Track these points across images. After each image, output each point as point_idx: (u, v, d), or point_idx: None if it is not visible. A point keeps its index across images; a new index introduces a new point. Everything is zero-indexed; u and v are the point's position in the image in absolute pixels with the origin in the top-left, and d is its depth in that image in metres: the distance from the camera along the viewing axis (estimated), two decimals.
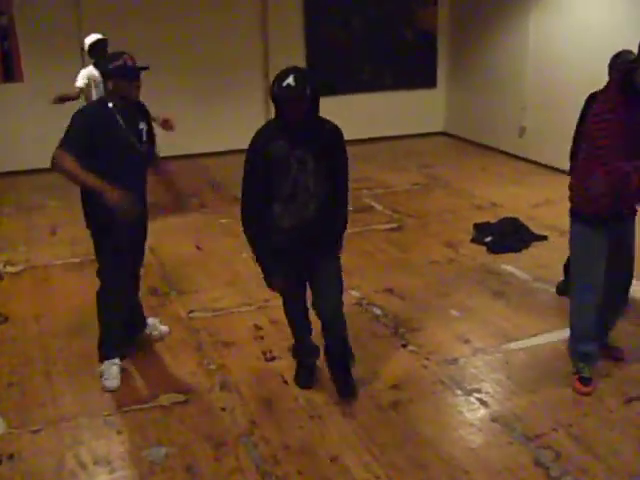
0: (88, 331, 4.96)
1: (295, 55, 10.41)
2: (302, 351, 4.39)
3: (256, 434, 3.86)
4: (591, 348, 4.20)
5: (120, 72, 4.10)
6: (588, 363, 4.21)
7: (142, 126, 4.29)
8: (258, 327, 5.04)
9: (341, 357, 4.26)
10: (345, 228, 4.03)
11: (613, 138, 3.69)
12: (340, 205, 3.99)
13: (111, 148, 4.10)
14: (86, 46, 7.26)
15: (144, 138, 4.30)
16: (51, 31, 9.16)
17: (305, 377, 4.33)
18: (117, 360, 4.41)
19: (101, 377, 4.35)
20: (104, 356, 4.41)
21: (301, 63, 10.40)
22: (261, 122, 12.27)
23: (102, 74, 4.38)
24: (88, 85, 7.27)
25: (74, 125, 4.06)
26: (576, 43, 8.52)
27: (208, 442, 3.79)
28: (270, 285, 4.01)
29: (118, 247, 4.24)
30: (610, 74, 4.87)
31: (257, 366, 4.55)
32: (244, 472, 3.56)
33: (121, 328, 4.49)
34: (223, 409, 4.09)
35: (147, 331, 4.86)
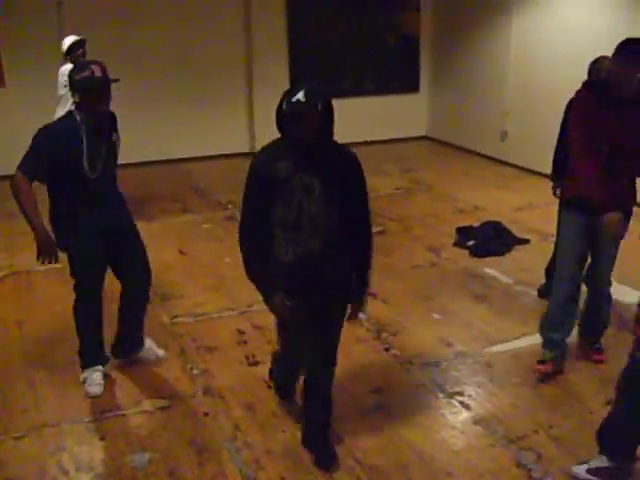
0: (71, 337, 4.93)
1: (278, 60, 10.43)
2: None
3: (239, 439, 3.86)
4: (553, 335, 4.39)
5: (86, 84, 3.87)
6: (550, 350, 4.40)
7: (114, 138, 4.16)
8: (241, 332, 5.04)
9: (320, 425, 3.74)
10: (366, 275, 3.57)
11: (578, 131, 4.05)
12: (359, 245, 3.54)
13: (71, 169, 3.94)
14: (65, 47, 7.24)
15: (103, 155, 4.03)
16: (33, 37, 9.11)
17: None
18: (99, 367, 4.40)
19: (84, 384, 4.32)
20: (85, 364, 4.40)
21: (284, 68, 10.44)
22: (244, 127, 12.23)
23: (69, 86, 4.05)
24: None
25: (34, 144, 3.90)
26: (558, 48, 8.59)
27: (191, 447, 3.79)
28: (271, 308, 3.45)
29: (80, 261, 4.18)
30: (589, 75, 4.94)
31: (240, 371, 4.55)
32: (227, 477, 3.56)
33: (99, 336, 4.44)
34: (206, 414, 4.09)
35: (142, 353, 4.64)
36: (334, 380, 3.74)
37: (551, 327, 4.41)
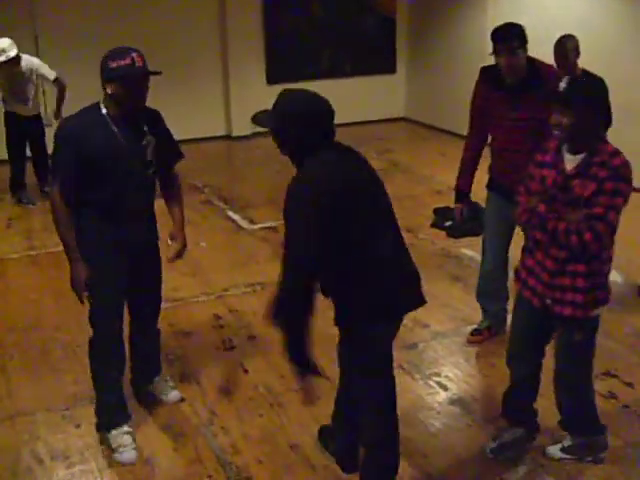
0: (45, 325, 4.90)
1: (254, 41, 10.34)
2: None
3: (216, 424, 3.84)
4: (486, 305, 4.60)
5: (126, 74, 3.25)
6: (485, 319, 4.62)
7: (146, 142, 3.48)
8: (217, 316, 5.01)
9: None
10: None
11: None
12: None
13: (105, 172, 3.34)
14: None
15: (148, 157, 3.49)
16: (4, 19, 8.96)
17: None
18: (126, 427, 3.68)
19: (114, 452, 3.61)
20: (110, 424, 3.67)
21: (260, 50, 10.36)
22: (220, 110, 12.10)
23: (101, 74, 3.34)
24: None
25: (59, 148, 3.32)
26: (535, 27, 8.48)
27: (167, 433, 3.77)
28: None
29: (102, 293, 3.51)
30: (556, 59, 4.95)
31: (217, 355, 4.53)
32: (203, 462, 3.54)
33: (121, 384, 3.74)
34: (182, 399, 4.06)
35: (153, 390, 4.08)
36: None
37: (484, 297, 4.59)
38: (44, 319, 5.01)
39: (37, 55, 7.94)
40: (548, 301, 3.17)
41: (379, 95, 11.24)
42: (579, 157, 3.04)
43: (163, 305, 5.15)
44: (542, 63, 4.23)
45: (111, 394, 3.67)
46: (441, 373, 4.27)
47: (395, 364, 4.28)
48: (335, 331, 3.11)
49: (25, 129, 7.48)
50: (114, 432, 3.63)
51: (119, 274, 3.54)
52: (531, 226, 3.18)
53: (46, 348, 4.60)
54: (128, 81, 3.27)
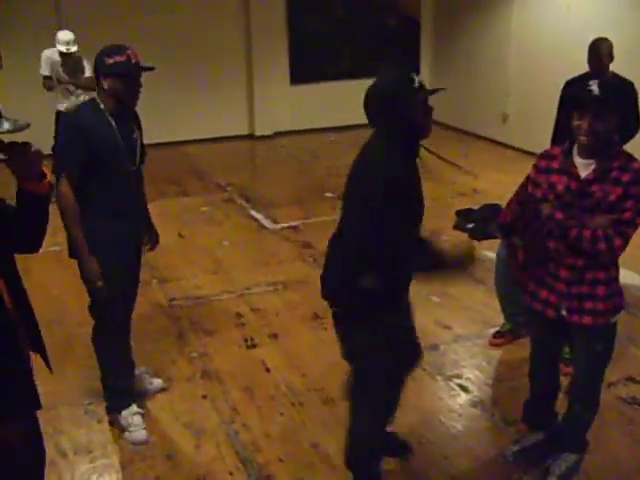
0: (68, 320, 4.95)
1: (278, 43, 10.38)
2: None
3: (237, 421, 3.86)
4: (507, 308, 4.54)
5: (122, 70, 3.35)
6: (507, 321, 4.60)
7: (136, 136, 3.60)
8: (239, 314, 5.03)
9: None
10: None
11: None
12: None
13: (105, 164, 3.42)
14: (60, 44, 7.26)
15: (138, 151, 3.60)
16: (30, 17, 9.06)
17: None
18: (136, 407, 3.82)
19: (123, 431, 3.76)
20: (121, 406, 3.81)
21: (284, 50, 10.38)
22: (244, 109, 12.13)
23: (97, 70, 3.42)
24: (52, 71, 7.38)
25: (69, 138, 3.40)
26: (560, 29, 8.52)
27: (189, 430, 3.80)
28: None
29: (112, 282, 3.55)
30: (589, 61, 4.90)
31: (238, 353, 4.55)
32: (225, 459, 3.56)
33: (129, 368, 3.90)
34: (204, 397, 4.09)
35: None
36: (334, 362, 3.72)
37: (505, 300, 4.55)
38: (67, 315, 5.05)
39: None
40: (564, 312, 3.11)
41: None
42: (591, 162, 2.96)
43: (185, 302, 5.23)
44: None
45: (123, 378, 3.81)
46: (462, 375, 4.26)
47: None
48: None
49: None
50: (124, 413, 3.77)
51: (132, 266, 3.75)
52: (546, 235, 3.06)
53: (69, 344, 4.64)
54: (126, 76, 3.38)
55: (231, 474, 3.47)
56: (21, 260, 6.20)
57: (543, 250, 3.11)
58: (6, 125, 3.48)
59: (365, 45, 10.82)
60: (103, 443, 3.72)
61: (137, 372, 4.09)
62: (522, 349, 4.49)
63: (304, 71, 10.47)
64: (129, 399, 3.82)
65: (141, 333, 4.79)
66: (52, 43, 7.45)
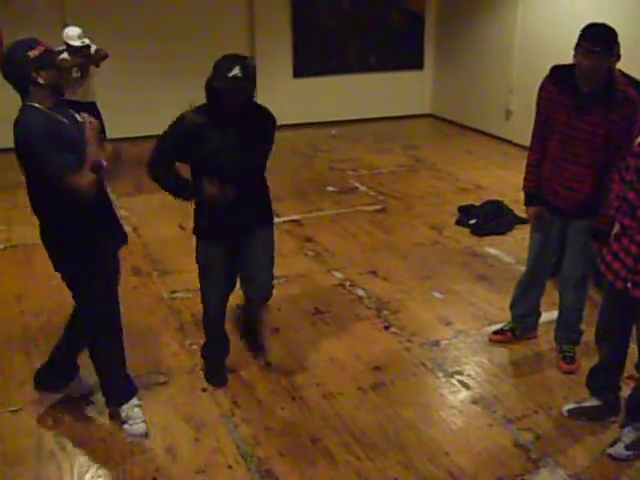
0: (68, 311, 4.91)
1: (281, 35, 10.34)
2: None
3: (237, 415, 3.85)
4: (512, 309, 4.55)
5: (52, 59, 3.31)
6: (510, 321, 4.58)
7: (82, 120, 3.46)
8: (240, 307, 5.01)
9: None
10: None
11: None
12: None
13: (79, 162, 3.27)
14: (68, 39, 7.28)
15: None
16: (33, 8, 9.02)
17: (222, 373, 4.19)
18: (136, 400, 3.80)
19: (124, 424, 3.73)
20: (121, 399, 3.77)
21: (287, 43, 10.35)
22: None
23: (23, 70, 3.20)
24: None
25: (45, 147, 3.18)
26: (564, 25, 8.48)
27: (188, 423, 3.78)
28: None
29: (102, 279, 3.60)
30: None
31: (239, 346, 4.53)
32: (225, 453, 3.55)
33: (124, 362, 3.81)
34: (204, 390, 4.08)
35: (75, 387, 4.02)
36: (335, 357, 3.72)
37: (512, 301, 4.54)
38: (68, 305, 5.01)
39: None
40: (629, 284, 3.25)
41: (406, 91, 11.21)
42: None
43: (186, 295, 5.21)
44: (622, 78, 3.86)
45: (121, 369, 3.77)
46: (463, 372, 4.25)
47: (417, 361, 4.34)
48: None
49: None
50: (125, 406, 3.74)
51: (116, 261, 3.80)
52: (622, 212, 3.29)
53: None
54: (56, 64, 3.34)
55: (230, 468, 3.46)
56: (22, 249, 6.21)
57: (621, 226, 3.33)
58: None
59: (369, 39, 10.79)
60: (103, 435, 3.71)
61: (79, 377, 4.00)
62: (524, 347, 4.50)
63: (307, 64, 10.44)
64: (129, 392, 3.80)
65: (142, 325, 4.80)
66: (59, 42, 7.44)
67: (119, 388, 3.80)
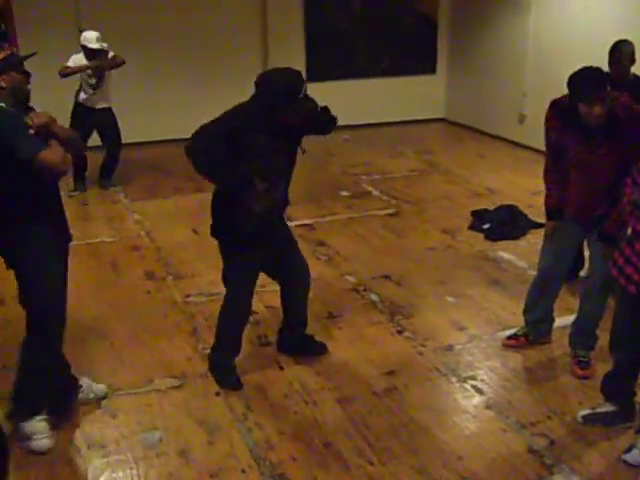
0: (82, 315, 4.96)
1: (294, 39, 10.36)
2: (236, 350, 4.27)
3: (250, 419, 3.85)
4: (525, 314, 4.54)
5: (15, 62, 3.33)
6: (523, 326, 4.56)
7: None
8: (254, 312, 5.01)
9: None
10: None
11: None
12: None
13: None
14: (86, 42, 7.34)
15: None
16: (48, 13, 9.09)
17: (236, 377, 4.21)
18: (44, 414, 3.65)
19: (27, 439, 3.58)
20: (32, 412, 3.61)
21: (300, 48, 10.36)
22: None
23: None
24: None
25: (16, 128, 3.21)
26: (579, 29, 8.46)
27: (202, 427, 3.79)
28: None
29: (55, 279, 3.56)
30: (610, 64, 4.85)
31: (252, 351, 4.54)
32: (238, 457, 3.56)
33: (57, 372, 3.74)
34: (218, 394, 4.08)
35: (83, 394, 3.99)
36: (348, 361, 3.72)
37: (525, 307, 4.53)
38: (81, 309, 5.06)
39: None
40: None
41: (418, 95, 11.20)
42: None
43: (199, 299, 5.23)
44: (623, 99, 3.82)
45: (43, 382, 3.62)
46: (477, 377, 4.24)
47: (431, 366, 4.33)
48: None
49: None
50: (33, 420, 3.59)
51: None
52: (634, 217, 3.30)
53: (83, 338, 4.64)
54: (20, 67, 3.34)
55: (244, 472, 3.46)
56: None
57: (633, 231, 3.35)
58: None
59: (383, 44, 10.79)
60: (116, 438, 3.72)
61: (81, 383, 3.98)
62: (538, 352, 4.49)
63: (321, 69, 10.45)
64: (42, 404, 3.64)
65: (155, 329, 4.82)
66: (74, 39, 7.52)
67: (34, 399, 3.63)
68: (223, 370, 4.21)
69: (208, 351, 4.48)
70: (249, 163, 3.71)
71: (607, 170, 3.79)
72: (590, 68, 3.73)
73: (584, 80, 3.70)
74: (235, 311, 4.17)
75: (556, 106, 3.98)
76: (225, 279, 4.13)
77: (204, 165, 3.84)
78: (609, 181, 3.76)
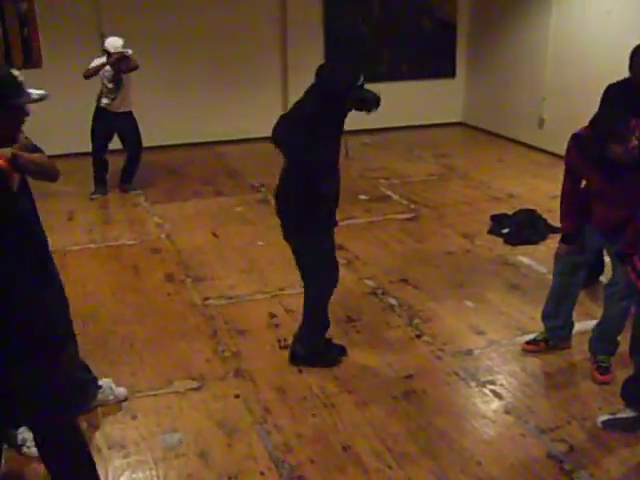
0: (103, 317, 5.00)
1: (314, 44, 10.37)
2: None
3: (269, 421, 3.87)
4: (544, 320, 4.53)
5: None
6: (543, 332, 4.54)
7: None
8: (273, 315, 5.04)
9: None
10: None
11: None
12: None
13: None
14: (109, 47, 7.42)
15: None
16: (70, 17, 9.17)
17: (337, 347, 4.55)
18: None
19: (22, 447, 3.58)
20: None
21: (319, 52, 10.38)
22: (278, 111, 12.23)
23: None
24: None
25: None
26: (599, 33, 8.43)
27: (221, 429, 3.81)
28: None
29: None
30: (630, 68, 4.83)
31: (271, 354, 4.55)
32: (257, 459, 3.57)
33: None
34: (237, 396, 4.10)
35: (103, 395, 4.00)
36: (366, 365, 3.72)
37: (544, 314, 4.53)
38: (102, 311, 5.11)
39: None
40: None
41: (438, 99, 11.19)
42: None
43: (219, 302, 5.25)
44: None
45: None
46: (496, 381, 4.23)
47: (449, 370, 4.33)
48: None
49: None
50: (23, 427, 3.57)
51: None
52: None
53: (104, 340, 4.68)
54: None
55: (262, 474, 3.47)
56: (58, 255, 6.28)
57: None
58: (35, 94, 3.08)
59: (402, 48, 10.80)
60: (136, 439, 3.75)
61: (101, 383, 3.99)
62: (557, 357, 4.47)
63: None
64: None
65: (175, 332, 4.85)
66: (95, 43, 7.58)
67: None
68: (321, 352, 4.41)
69: (227, 354, 4.51)
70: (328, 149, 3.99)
71: (631, 197, 3.74)
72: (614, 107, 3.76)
73: (615, 119, 3.60)
74: (327, 285, 4.37)
75: (577, 140, 3.93)
76: (308, 264, 4.29)
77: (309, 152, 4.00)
78: (634, 204, 3.72)
